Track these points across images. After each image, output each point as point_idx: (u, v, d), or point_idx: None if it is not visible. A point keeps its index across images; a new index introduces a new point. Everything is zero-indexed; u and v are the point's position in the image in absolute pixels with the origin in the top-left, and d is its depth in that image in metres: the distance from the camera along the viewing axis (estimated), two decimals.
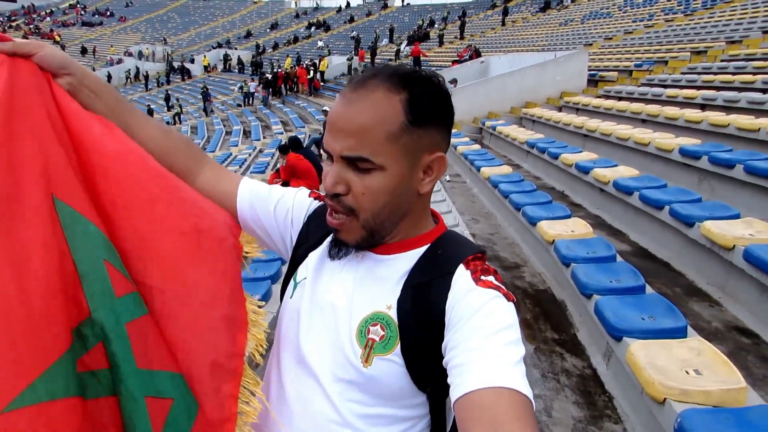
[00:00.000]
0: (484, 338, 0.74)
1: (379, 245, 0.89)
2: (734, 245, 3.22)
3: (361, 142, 0.79)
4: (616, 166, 5.63)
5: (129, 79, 36.22)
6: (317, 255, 0.97)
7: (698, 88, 8.29)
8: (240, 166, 12.71)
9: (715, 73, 8.74)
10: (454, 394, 0.72)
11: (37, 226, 0.73)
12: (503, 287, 0.82)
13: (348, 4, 47.52)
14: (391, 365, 0.82)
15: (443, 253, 0.87)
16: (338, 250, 0.90)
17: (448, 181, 7.88)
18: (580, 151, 6.69)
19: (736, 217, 3.69)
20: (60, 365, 0.71)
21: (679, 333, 2.47)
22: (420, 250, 0.89)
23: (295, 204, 1.04)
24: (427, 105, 0.82)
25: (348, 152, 0.80)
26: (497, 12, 31.47)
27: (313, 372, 0.87)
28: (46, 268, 0.73)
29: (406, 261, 0.88)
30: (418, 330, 0.82)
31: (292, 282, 0.98)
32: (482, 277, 0.82)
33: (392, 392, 0.84)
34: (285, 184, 7.86)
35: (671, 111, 7.14)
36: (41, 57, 0.82)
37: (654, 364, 2.22)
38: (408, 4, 44.74)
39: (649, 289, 3.00)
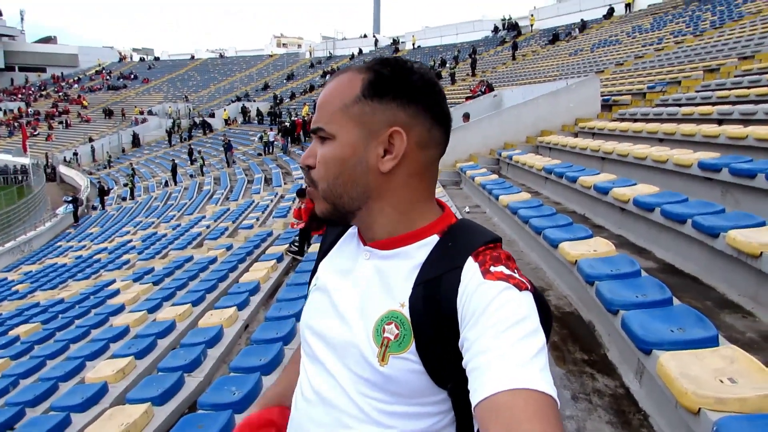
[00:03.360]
0: (494, 337, 0.72)
1: (381, 239, 0.89)
2: (761, 252, 3.14)
3: (320, 114, 0.87)
4: (635, 184, 5.57)
5: (170, 134, 36.20)
6: (329, 259, 1.00)
7: (713, 104, 8.21)
8: (263, 212, 13.03)
9: (730, 89, 8.68)
10: (472, 401, 0.71)
11: None
12: (515, 275, 0.79)
13: (360, 51, 48.94)
14: (408, 364, 0.81)
15: (453, 245, 0.85)
16: (322, 224, 0.96)
17: (468, 212, 7.87)
18: (598, 173, 6.64)
19: (762, 225, 3.60)
20: None
21: (710, 342, 2.39)
22: (428, 242, 0.87)
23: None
24: (387, 80, 0.85)
25: (313, 125, 0.88)
26: (507, 47, 32.13)
27: (333, 370, 0.87)
28: None
29: (414, 254, 0.86)
30: (432, 328, 0.80)
31: (311, 287, 1.01)
32: (491, 269, 0.79)
33: (411, 390, 0.82)
34: (307, 226, 7.96)
35: (687, 128, 7.07)
36: None
37: (686, 374, 2.14)
38: (419, 46, 45.71)
39: (676, 302, 2.93)
